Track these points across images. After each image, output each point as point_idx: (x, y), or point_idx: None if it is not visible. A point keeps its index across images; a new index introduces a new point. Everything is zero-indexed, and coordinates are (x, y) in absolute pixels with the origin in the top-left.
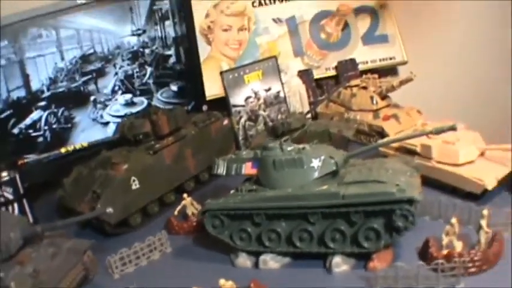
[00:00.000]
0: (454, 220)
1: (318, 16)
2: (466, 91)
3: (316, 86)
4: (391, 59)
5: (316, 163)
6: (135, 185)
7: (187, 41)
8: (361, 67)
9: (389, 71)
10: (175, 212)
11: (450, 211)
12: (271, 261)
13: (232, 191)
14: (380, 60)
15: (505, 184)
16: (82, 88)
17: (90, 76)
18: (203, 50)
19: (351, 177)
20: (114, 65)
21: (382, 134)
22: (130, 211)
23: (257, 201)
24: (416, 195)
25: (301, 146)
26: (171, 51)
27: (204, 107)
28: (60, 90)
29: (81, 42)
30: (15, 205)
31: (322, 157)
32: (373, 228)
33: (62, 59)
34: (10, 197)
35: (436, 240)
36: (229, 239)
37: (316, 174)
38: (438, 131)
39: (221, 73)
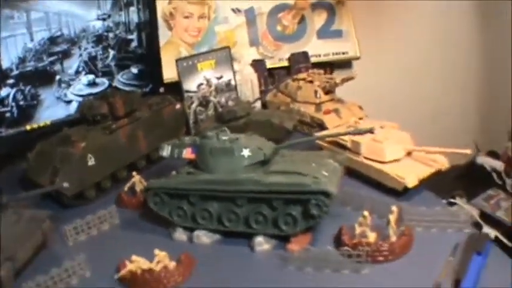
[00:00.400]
0: (366, 213)
1: (276, 9)
2: (412, 91)
3: (269, 76)
4: (344, 53)
5: (246, 152)
6: (91, 161)
7: (149, 27)
8: (314, 60)
9: (345, 65)
10: (125, 188)
11: (368, 204)
12: (203, 237)
13: (173, 172)
14: (333, 54)
15: (427, 184)
16: (48, 68)
17: (56, 57)
18: (164, 35)
19: (277, 167)
20: (80, 47)
21: (322, 126)
22: (86, 185)
23: (193, 183)
24: (330, 188)
25: (235, 136)
26: (134, 36)
27: (161, 89)
28: (28, 69)
29: (50, 24)
30: None
31: (252, 147)
32: (291, 214)
33: (32, 40)
34: None
35: (349, 229)
36: (168, 215)
37: (245, 162)
38: (356, 133)
39: (176, 61)
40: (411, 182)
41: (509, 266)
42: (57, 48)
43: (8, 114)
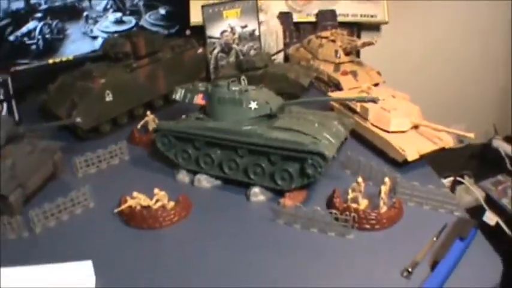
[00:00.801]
0: (360, 179)
1: None
2: (436, 64)
3: (295, 30)
4: (372, 16)
5: (253, 105)
6: (109, 97)
7: None
8: (341, 19)
9: (373, 27)
10: (138, 126)
11: (366, 171)
12: (204, 181)
13: (183, 116)
14: (361, 15)
15: (437, 158)
16: (76, 4)
17: None
18: None
19: (281, 123)
20: None
21: (338, 86)
22: (101, 120)
23: (199, 129)
24: (327, 151)
25: (245, 87)
26: None
27: (187, 32)
28: (57, 4)
29: None
30: (5, 104)
31: (260, 101)
32: (288, 170)
33: None
34: (0, 97)
35: (342, 193)
36: (173, 156)
37: (252, 115)
38: (359, 100)
39: (202, 7)
40: (411, 155)
41: (490, 257)
42: None
43: (33, 47)
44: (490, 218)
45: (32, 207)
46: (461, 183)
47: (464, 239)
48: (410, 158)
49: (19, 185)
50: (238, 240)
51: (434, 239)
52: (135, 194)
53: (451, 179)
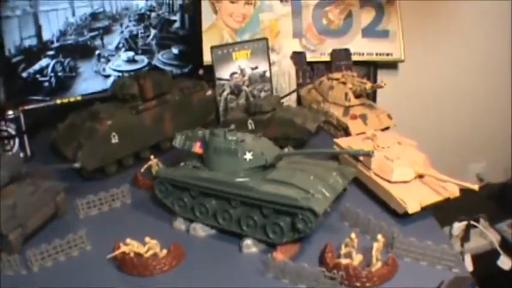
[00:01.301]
0: (353, 235)
1: (324, 2)
2: (452, 103)
3: (310, 69)
4: (388, 54)
5: (248, 156)
6: (115, 139)
7: (192, 9)
8: (356, 58)
9: (390, 66)
10: (142, 170)
11: (365, 224)
12: (199, 230)
13: (182, 164)
14: (377, 54)
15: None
16: (89, 42)
17: (97, 32)
18: (208, 17)
19: (275, 176)
20: (121, 25)
21: (346, 131)
22: (107, 161)
23: (194, 178)
24: (318, 207)
25: (242, 137)
26: (176, 17)
27: (200, 71)
28: (69, 42)
29: (92, 0)
30: (17, 140)
31: (255, 151)
32: (279, 224)
33: (73, 14)
34: (13, 132)
35: (333, 248)
36: (170, 204)
37: (246, 166)
38: (354, 154)
39: (211, 48)
40: (412, 207)
41: None
42: (98, 24)
43: (46, 84)
44: (505, 262)
45: (31, 246)
46: (476, 226)
47: None
48: (411, 211)
49: (19, 225)
50: None
51: None
52: (128, 240)
53: (465, 223)
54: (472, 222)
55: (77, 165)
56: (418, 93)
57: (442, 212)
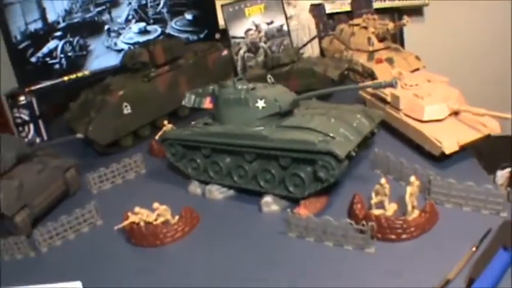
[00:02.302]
0: (383, 180)
1: None
2: (479, 48)
3: (332, 21)
4: None
5: (261, 104)
6: (127, 109)
7: None
8: (378, 5)
9: (415, 12)
10: (156, 137)
11: (397, 169)
12: (216, 192)
13: (192, 122)
14: None
15: (484, 148)
16: (96, 18)
17: (104, 7)
18: None
19: (291, 122)
20: None
21: (373, 76)
22: (121, 134)
23: (204, 135)
24: (339, 150)
25: (252, 85)
26: None
27: (217, 35)
28: (76, 20)
29: None
30: (31, 125)
31: (268, 98)
32: (299, 175)
33: None
34: (26, 118)
35: (362, 198)
36: (183, 167)
37: (260, 114)
38: (376, 87)
39: (222, 6)
40: (449, 147)
41: None
42: None
43: (57, 66)
44: None
45: (42, 226)
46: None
47: (509, 248)
48: (448, 151)
49: (25, 205)
50: (244, 256)
51: (473, 249)
52: (137, 209)
53: (509, 169)
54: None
55: (79, 135)
56: (446, 38)
57: (484, 160)
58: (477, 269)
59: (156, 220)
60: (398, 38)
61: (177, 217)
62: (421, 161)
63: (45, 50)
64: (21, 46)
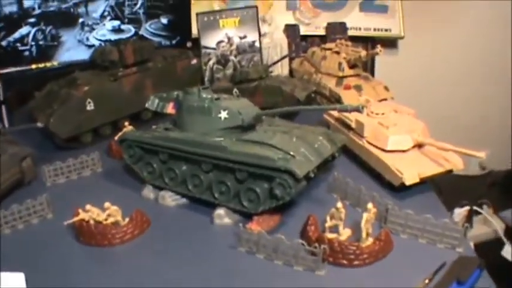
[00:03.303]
0: (339, 204)
1: None
2: (450, 81)
3: (305, 43)
4: (386, 30)
5: (223, 114)
6: (90, 106)
7: None
8: (352, 33)
9: (390, 43)
10: (116, 138)
11: (355, 195)
12: (169, 199)
13: (154, 126)
14: (375, 29)
15: (454, 184)
16: (72, 10)
17: None
18: None
19: (252, 136)
20: None
21: (339, 101)
22: (82, 129)
23: (163, 140)
24: (298, 169)
25: (217, 95)
26: None
27: (189, 44)
28: (51, 9)
29: None
30: None
31: (231, 110)
32: (255, 190)
33: None
34: None
35: (317, 220)
36: (139, 170)
37: (221, 125)
38: (342, 109)
39: (197, 14)
40: (409, 178)
41: None
42: None
43: (26, 53)
44: (509, 252)
45: None
46: (479, 213)
47: (463, 282)
48: (408, 182)
49: None
50: (191, 267)
51: (426, 281)
52: (88, 207)
53: (467, 208)
54: (475, 208)
55: (39, 124)
56: (418, 72)
57: (443, 196)
58: None
59: (106, 220)
60: (369, 67)
61: (127, 219)
62: (379, 189)
63: (16, 35)
64: None
